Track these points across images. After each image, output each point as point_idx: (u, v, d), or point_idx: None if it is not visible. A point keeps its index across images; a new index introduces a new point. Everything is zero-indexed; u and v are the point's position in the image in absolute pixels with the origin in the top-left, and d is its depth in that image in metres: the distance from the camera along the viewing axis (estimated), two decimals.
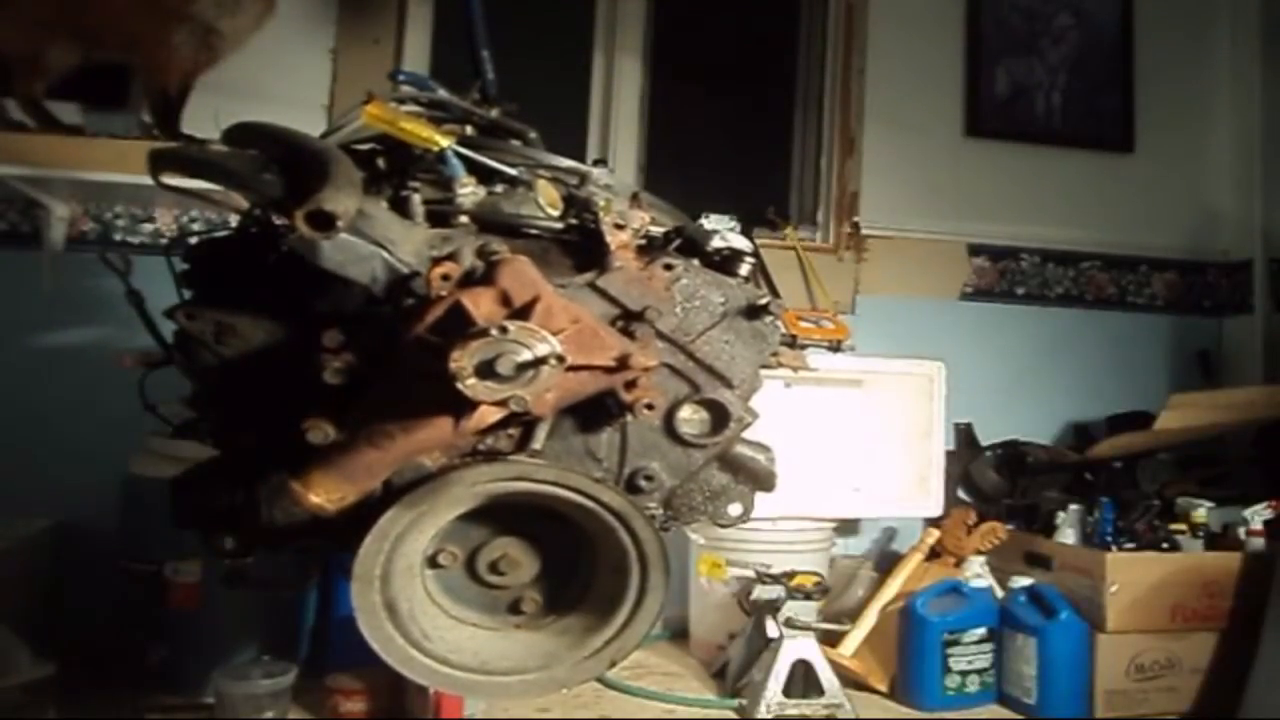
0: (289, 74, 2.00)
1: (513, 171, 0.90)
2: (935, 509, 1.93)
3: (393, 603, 0.75)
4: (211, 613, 1.51)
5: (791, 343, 1.12)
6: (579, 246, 0.86)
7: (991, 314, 2.37)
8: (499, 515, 0.79)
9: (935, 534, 1.89)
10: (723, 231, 0.96)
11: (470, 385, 0.67)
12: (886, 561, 2.03)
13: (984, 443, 2.22)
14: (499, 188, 0.90)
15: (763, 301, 0.85)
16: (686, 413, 0.84)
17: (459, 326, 0.69)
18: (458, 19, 1.35)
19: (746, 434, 0.87)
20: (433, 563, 0.79)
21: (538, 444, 0.76)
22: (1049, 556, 1.78)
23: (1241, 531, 1.77)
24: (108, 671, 1.52)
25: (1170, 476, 1.99)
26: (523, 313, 0.70)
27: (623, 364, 0.74)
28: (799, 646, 1.54)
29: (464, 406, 0.69)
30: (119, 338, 1.71)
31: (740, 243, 0.93)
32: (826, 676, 1.53)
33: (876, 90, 2.34)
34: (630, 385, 0.76)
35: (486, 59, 1.21)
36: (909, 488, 1.95)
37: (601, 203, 0.90)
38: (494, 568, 0.79)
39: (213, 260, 0.91)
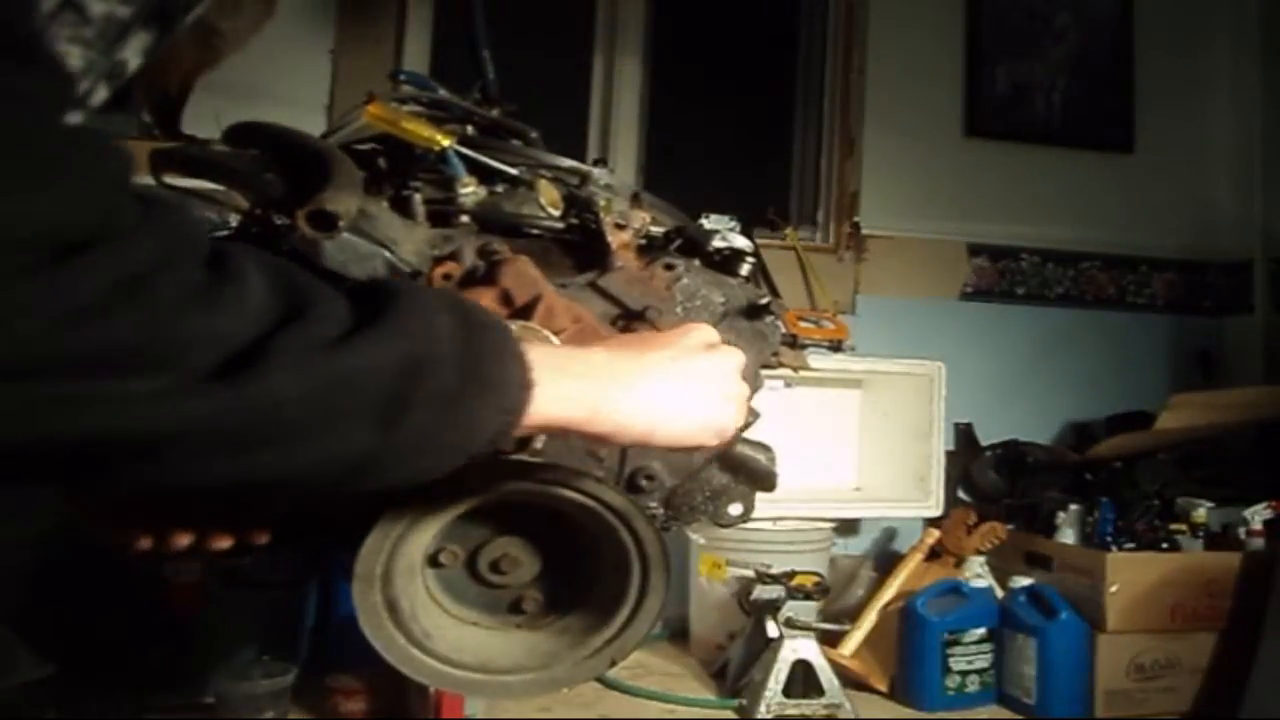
0: (289, 74, 1.99)
1: (514, 171, 0.91)
2: (935, 509, 1.93)
3: (394, 602, 0.75)
4: (211, 613, 1.51)
5: (792, 342, 1.12)
6: (580, 246, 0.86)
7: (991, 314, 2.37)
8: (500, 515, 0.79)
9: (935, 534, 1.89)
10: (723, 231, 0.96)
11: None
12: (886, 561, 2.03)
13: (984, 443, 2.22)
14: (500, 187, 0.90)
15: (763, 301, 0.85)
16: None
17: None
18: (458, 19, 1.35)
19: (747, 433, 0.87)
20: (434, 562, 0.79)
21: (538, 443, 0.76)
22: (1049, 556, 1.78)
23: (1241, 531, 1.77)
24: (108, 671, 1.52)
25: (1170, 476, 1.98)
26: (524, 312, 0.70)
27: None
28: (799, 646, 1.53)
29: None
30: None
31: (740, 243, 0.93)
32: (826, 676, 1.53)
33: (876, 90, 2.34)
34: None
35: (487, 59, 1.21)
36: (909, 488, 1.95)
37: (602, 203, 0.90)
38: (495, 567, 0.79)
39: None
